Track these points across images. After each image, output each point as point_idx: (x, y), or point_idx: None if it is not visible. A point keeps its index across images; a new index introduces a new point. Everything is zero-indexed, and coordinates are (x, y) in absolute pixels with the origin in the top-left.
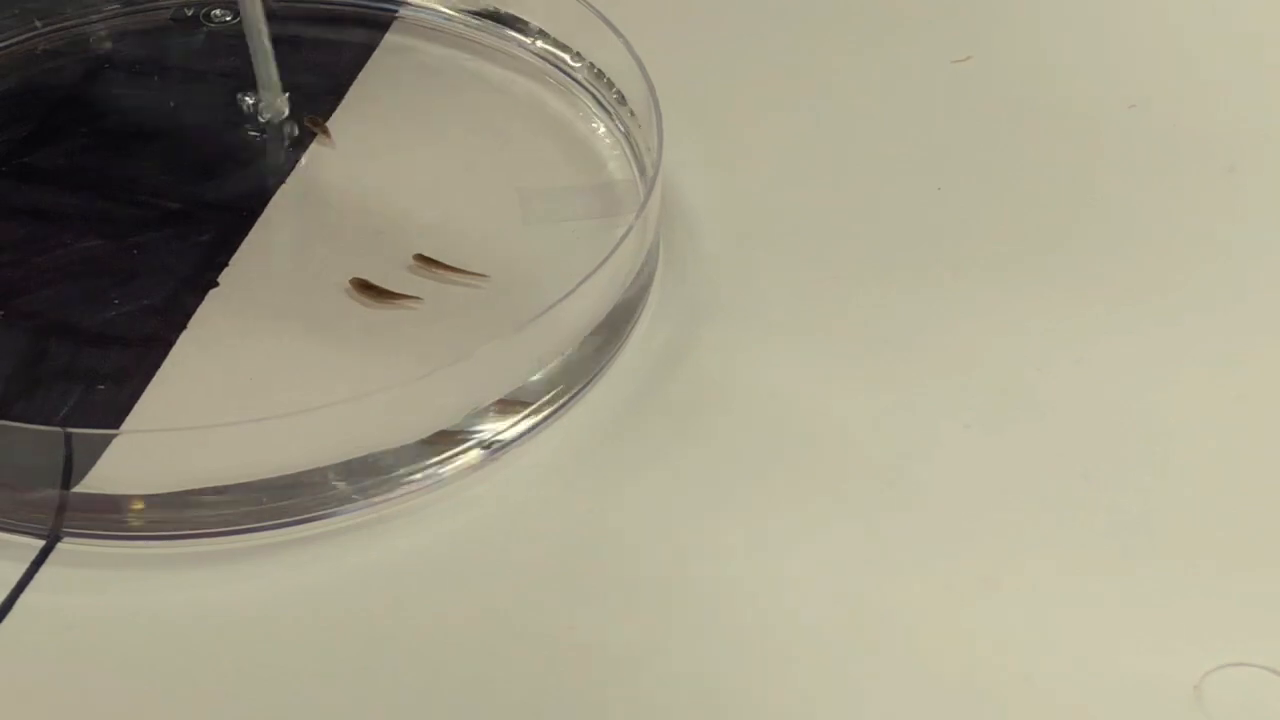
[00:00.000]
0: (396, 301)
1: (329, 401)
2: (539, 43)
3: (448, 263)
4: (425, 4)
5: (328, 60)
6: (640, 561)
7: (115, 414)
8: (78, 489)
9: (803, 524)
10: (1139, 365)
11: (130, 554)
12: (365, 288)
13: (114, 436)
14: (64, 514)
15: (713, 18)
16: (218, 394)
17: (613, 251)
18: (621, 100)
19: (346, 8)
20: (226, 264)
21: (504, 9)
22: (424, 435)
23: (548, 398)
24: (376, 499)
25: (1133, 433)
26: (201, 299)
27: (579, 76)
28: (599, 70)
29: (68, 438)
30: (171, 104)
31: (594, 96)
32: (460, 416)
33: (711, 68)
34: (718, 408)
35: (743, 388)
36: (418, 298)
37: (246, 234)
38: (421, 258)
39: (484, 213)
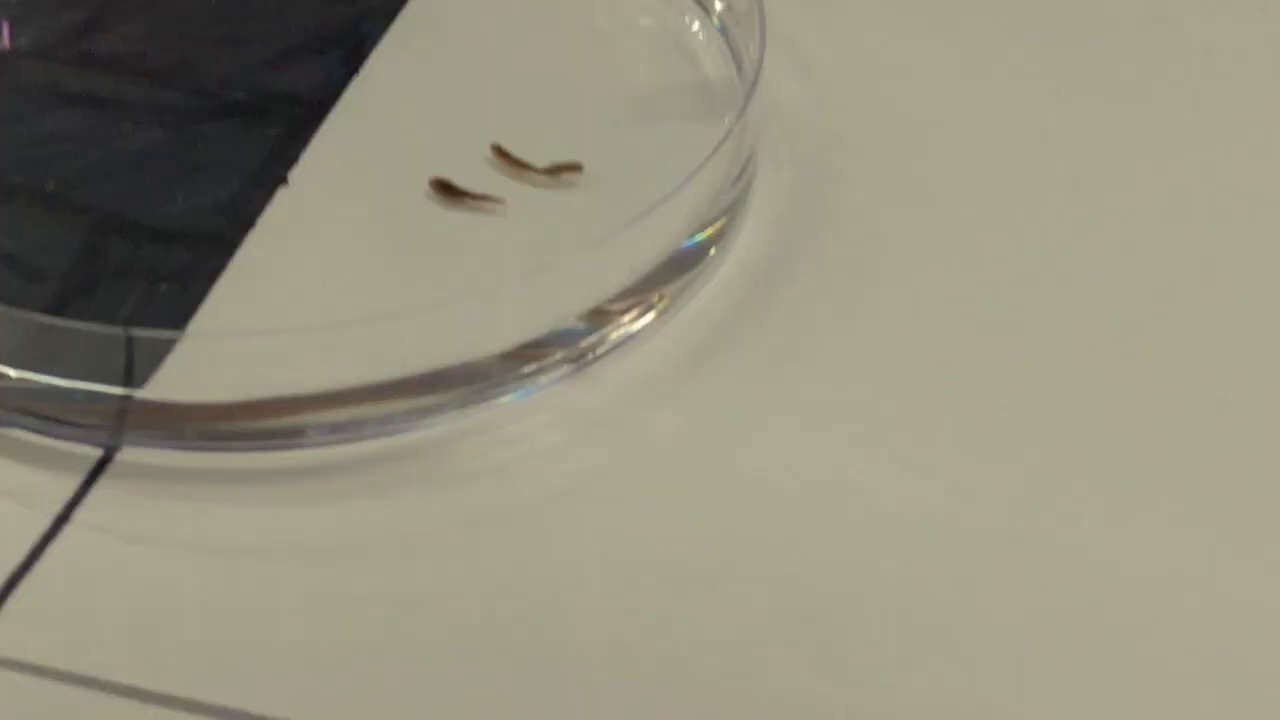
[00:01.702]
0: (477, 203)
1: (402, 309)
2: None
3: (525, 160)
4: None
5: None
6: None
7: (178, 316)
8: (139, 394)
9: (922, 443)
10: None
11: (194, 466)
12: (445, 188)
13: (178, 339)
14: (124, 421)
15: None
16: (286, 298)
17: (709, 158)
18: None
19: None
20: (297, 160)
21: None
22: (506, 348)
23: (637, 309)
24: (455, 413)
25: None
26: (270, 197)
27: None
28: None
29: (129, 339)
30: None
31: None
32: (545, 328)
33: None
34: (819, 324)
35: (848, 302)
36: (500, 200)
37: (318, 127)
38: (500, 151)
39: (569, 110)
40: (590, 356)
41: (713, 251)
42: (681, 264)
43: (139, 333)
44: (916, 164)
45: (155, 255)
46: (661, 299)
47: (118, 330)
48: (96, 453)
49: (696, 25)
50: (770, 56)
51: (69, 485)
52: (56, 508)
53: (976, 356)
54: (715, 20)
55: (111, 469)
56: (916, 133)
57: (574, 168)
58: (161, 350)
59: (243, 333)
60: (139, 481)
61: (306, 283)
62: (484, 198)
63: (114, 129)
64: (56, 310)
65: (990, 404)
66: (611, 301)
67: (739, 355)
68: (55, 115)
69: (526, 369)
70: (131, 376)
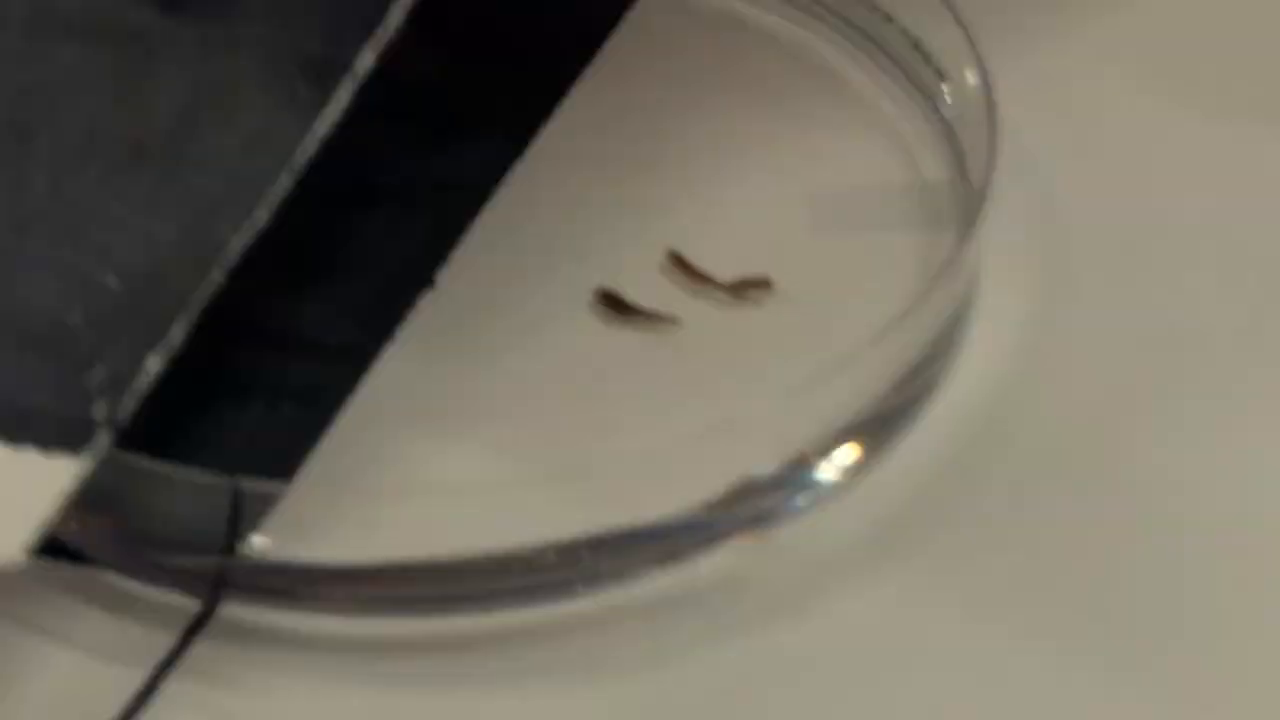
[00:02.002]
0: (648, 322)
1: (550, 471)
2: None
3: (706, 271)
4: None
5: (583, 3)
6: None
7: (300, 441)
8: (244, 551)
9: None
10: None
11: (311, 631)
12: (612, 302)
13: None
14: (226, 575)
15: None
16: (424, 425)
17: (927, 290)
18: (941, 80)
19: None
20: (446, 259)
21: None
22: (673, 509)
23: (827, 464)
24: (607, 587)
25: None
26: (414, 302)
27: (890, 44)
28: (916, 39)
29: (236, 494)
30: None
31: (906, 73)
32: (714, 490)
33: (1059, 44)
34: (1045, 503)
35: (1081, 479)
36: (673, 319)
37: (474, 220)
38: (677, 259)
39: (760, 213)
40: (768, 520)
41: (922, 398)
42: (884, 413)
43: (248, 485)
44: (1169, 298)
45: (276, 367)
46: (857, 452)
47: (222, 482)
48: (195, 606)
49: (917, 116)
50: (1000, 155)
51: (164, 641)
52: (150, 664)
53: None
54: (938, 110)
55: (213, 626)
56: (1169, 258)
57: (762, 284)
58: (274, 498)
59: (363, 491)
60: (243, 642)
61: (448, 408)
62: (655, 316)
63: None
64: (155, 431)
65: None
66: (796, 457)
67: (938, 532)
68: None
69: (689, 535)
70: (237, 528)
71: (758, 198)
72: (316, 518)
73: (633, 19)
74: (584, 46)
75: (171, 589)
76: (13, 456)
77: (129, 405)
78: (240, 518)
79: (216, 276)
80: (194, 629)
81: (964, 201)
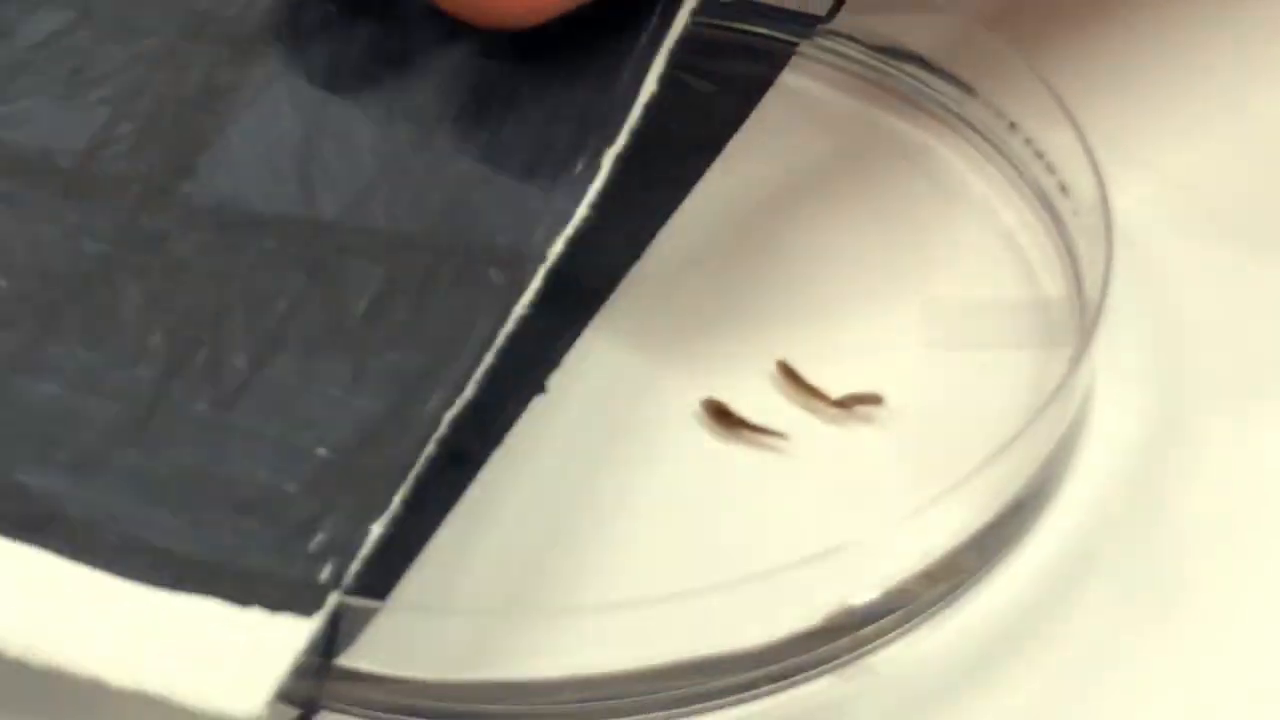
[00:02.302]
0: (755, 435)
1: (652, 595)
2: (968, 104)
3: (816, 385)
4: (836, 37)
5: (705, 103)
6: None
7: (405, 549)
8: (342, 661)
9: None
10: None
11: None
12: (720, 414)
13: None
14: (322, 686)
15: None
16: (538, 536)
17: (1039, 412)
18: (1063, 191)
19: (735, 33)
20: (559, 363)
21: (932, 55)
22: (772, 636)
23: (931, 593)
24: (703, 713)
25: None
26: (524, 406)
27: (1011, 153)
28: (1039, 149)
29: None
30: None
31: (1027, 182)
32: (819, 615)
33: (1180, 150)
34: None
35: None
36: (782, 435)
37: (587, 323)
38: (787, 370)
39: (874, 325)
40: (867, 649)
41: (1029, 525)
42: (989, 540)
43: (350, 601)
44: None
45: None
46: (960, 581)
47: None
48: (292, 712)
49: (1036, 228)
50: (1119, 265)
51: None
52: None
53: None
54: (1056, 223)
55: None
56: None
57: (873, 399)
58: (371, 612)
59: (462, 612)
60: None
61: (547, 519)
62: (764, 430)
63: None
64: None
65: None
66: (901, 584)
67: (1037, 664)
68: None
69: (787, 661)
70: (333, 643)
71: (871, 308)
72: (414, 633)
73: (751, 120)
74: (704, 150)
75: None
76: (239, 617)
77: (354, 569)
78: (337, 630)
79: (430, 448)
80: None
81: (1079, 318)
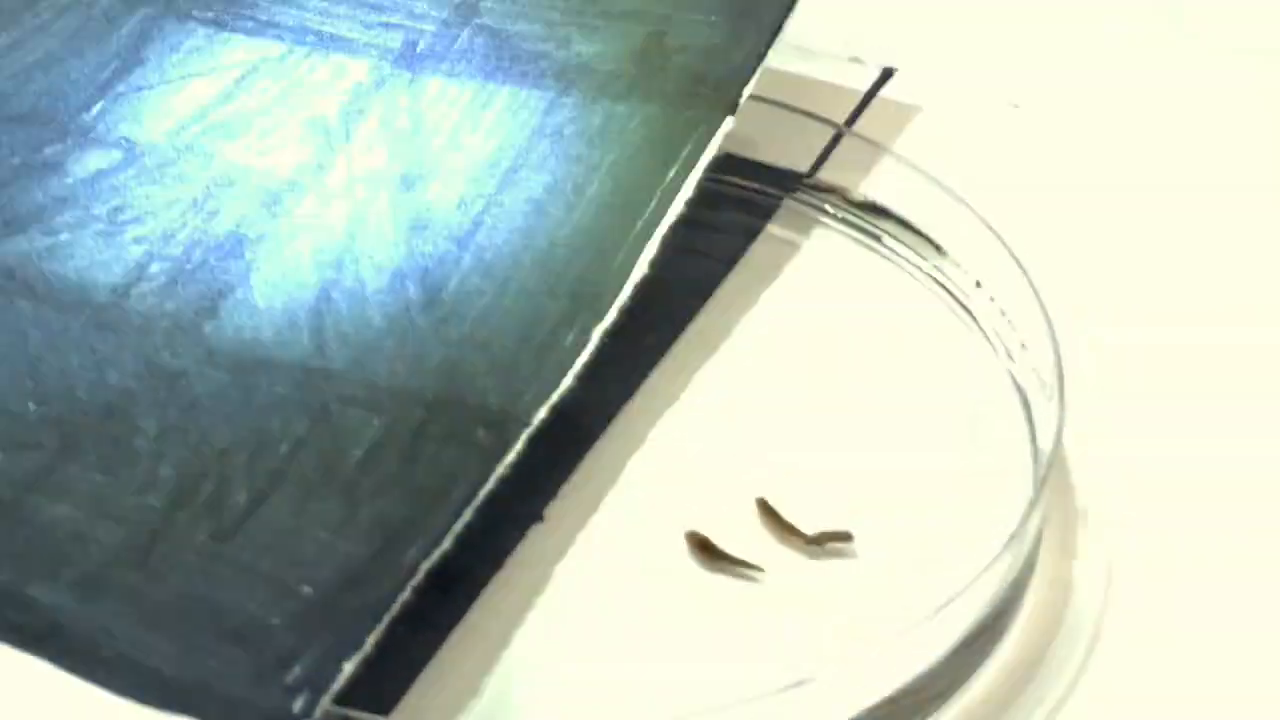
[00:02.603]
0: (735, 567)
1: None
2: (939, 261)
3: (791, 523)
4: (818, 192)
5: (700, 248)
6: None
7: (408, 669)
8: None
9: None
10: None
11: None
12: (704, 547)
13: None
14: None
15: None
16: (522, 656)
17: (991, 563)
18: (1023, 347)
19: (724, 185)
20: (556, 494)
21: (905, 213)
22: None
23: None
24: None
25: None
26: (523, 535)
27: (977, 311)
28: (1002, 308)
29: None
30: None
31: (991, 339)
32: None
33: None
34: None
35: None
36: (758, 568)
37: (583, 456)
38: (766, 507)
39: (847, 467)
40: None
41: (982, 659)
42: (944, 674)
43: (354, 716)
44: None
45: None
46: (922, 707)
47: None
48: None
49: (997, 384)
50: (1070, 421)
51: None
52: None
53: None
54: (1014, 381)
55: None
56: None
57: (843, 537)
58: None
59: None
60: None
61: (542, 641)
62: (742, 564)
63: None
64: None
65: None
66: (867, 711)
67: None
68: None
69: None
70: None
71: (845, 452)
72: None
73: (744, 267)
74: (695, 295)
75: None
76: None
77: (325, 703)
78: None
79: (406, 595)
80: None
81: (1034, 467)
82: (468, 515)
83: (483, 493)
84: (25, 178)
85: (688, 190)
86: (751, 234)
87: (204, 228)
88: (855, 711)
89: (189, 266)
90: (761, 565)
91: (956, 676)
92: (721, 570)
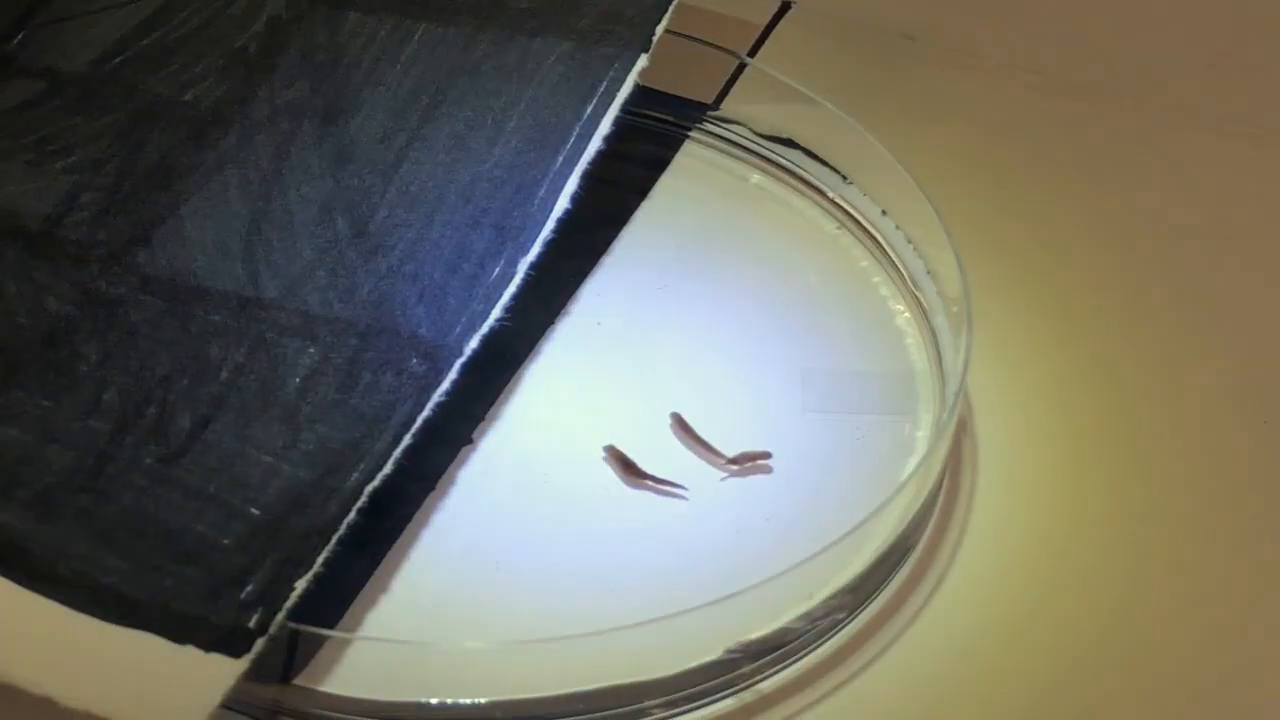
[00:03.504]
0: (657, 486)
1: (567, 633)
2: (845, 190)
3: (704, 438)
4: (724, 123)
5: (613, 178)
6: None
7: (350, 584)
8: (298, 681)
9: None
10: None
11: None
12: (624, 463)
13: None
14: (282, 706)
15: (1045, 203)
16: (457, 572)
17: (906, 481)
18: (929, 275)
19: (635, 116)
20: (483, 417)
21: (810, 143)
22: (663, 673)
23: (809, 635)
24: None
25: None
26: (453, 457)
27: (885, 238)
28: (908, 235)
29: (291, 635)
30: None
31: (898, 267)
32: (710, 655)
33: (1033, 258)
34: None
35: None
36: (683, 488)
37: (509, 381)
38: (680, 421)
39: (759, 388)
40: (752, 688)
41: (890, 580)
42: (859, 588)
43: (300, 629)
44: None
45: None
46: (837, 619)
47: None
48: None
49: (905, 309)
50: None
51: None
52: None
53: None
54: (923, 304)
55: None
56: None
57: (762, 455)
58: (322, 639)
59: (396, 641)
60: None
61: (474, 557)
62: (666, 483)
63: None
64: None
65: None
66: (784, 629)
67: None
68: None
69: (684, 695)
70: (290, 665)
71: (756, 374)
72: (353, 659)
73: (655, 196)
74: (610, 224)
75: (236, 712)
76: (176, 653)
77: (279, 619)
78: (295, 653)
79: (351, 516)
80: None
81: (941, 390)
82: (407, 440)
83: (420, 419)
84: None
85: (605, 126)
86: (661, 164)
87: (131, 159)
88: (781, 622)
89: (119, 196)
90: (685, 487)
91: (873, 588)
92: (644, 488)
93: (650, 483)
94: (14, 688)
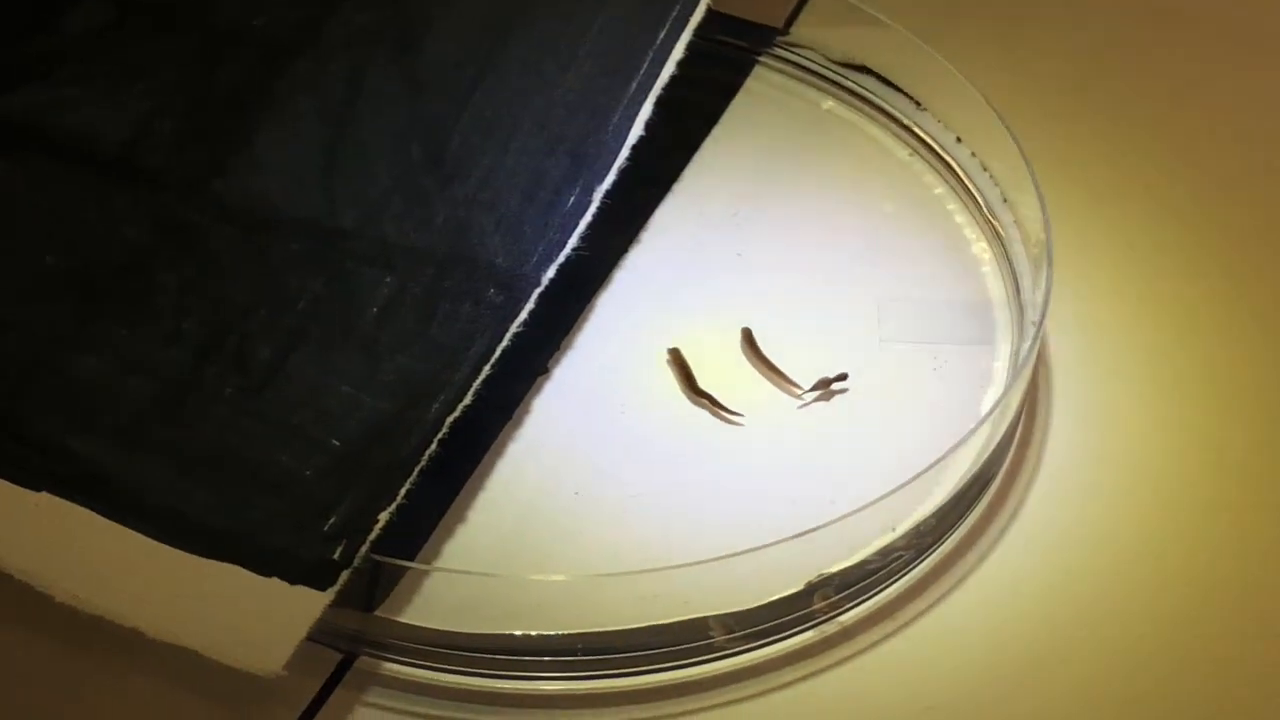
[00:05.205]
0: (714, 407)
1: (646, 566)
2: (919, 117)
3: (775, 363)
4: (798, 47)
5: (682, 104)
6: None
7: (429, 515)
8: (380, 612)
9: None
10: None
11: (433, 682)
12: (685, 373)
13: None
14: (364, 637)
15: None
16: (534, 502)
17: (988, 415)
18: (1005, 203)
19: (703, 41)
20: (558, 346)
21: (882, 69)
22: (748, 605)
23: (890, 568)
24: (688, 667)
25: None
26: (530, 386)
27: (960, 164)
28: (984, 162)
29: (374, 567)
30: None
31: (973, 194)
32: (792, 588)
33: (1114, 186)
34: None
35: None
36: (737, 415)
37: (583, 311)
38: (750, 339)
39: (834, 317)
40: (833, 620)
41: (969, 513)
42: (940, 521)
43: (383, 560)
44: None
45: None
46: (918, 553)
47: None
48: (337, 658)
49: (980, 237)
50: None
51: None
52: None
53: None
54: (999, 233)
55: (350, 677)
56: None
57: (838, 378)
58: (400, 574)
59: (476, 573)
60: (375, 690)
61: (551, 485)
62: (723, 408)
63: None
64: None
65: None
66: (865, 562)
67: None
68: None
69: (765, 628)
70: (373, 596)
71: (833, 298)
72: (434, 591)
73: (732, 115)
74: (681, 150)
75: (319, 644)
76: (262, 586)
77: (363, 551)
78: (377, 585)
79: (432, 448)
80: (336, 677)
81: (1019, 319)
82: (486, 371)
83: (498, 350)
84: (15, 35)
85: (678, 51)
86: (732, 90)
87: (204, 86)
88: (861, 556)
89: (193, 124)
90: (742, 414)
91: (951, 523)
92: (701, 405)
93: (708, 401)
94: (103, 619)
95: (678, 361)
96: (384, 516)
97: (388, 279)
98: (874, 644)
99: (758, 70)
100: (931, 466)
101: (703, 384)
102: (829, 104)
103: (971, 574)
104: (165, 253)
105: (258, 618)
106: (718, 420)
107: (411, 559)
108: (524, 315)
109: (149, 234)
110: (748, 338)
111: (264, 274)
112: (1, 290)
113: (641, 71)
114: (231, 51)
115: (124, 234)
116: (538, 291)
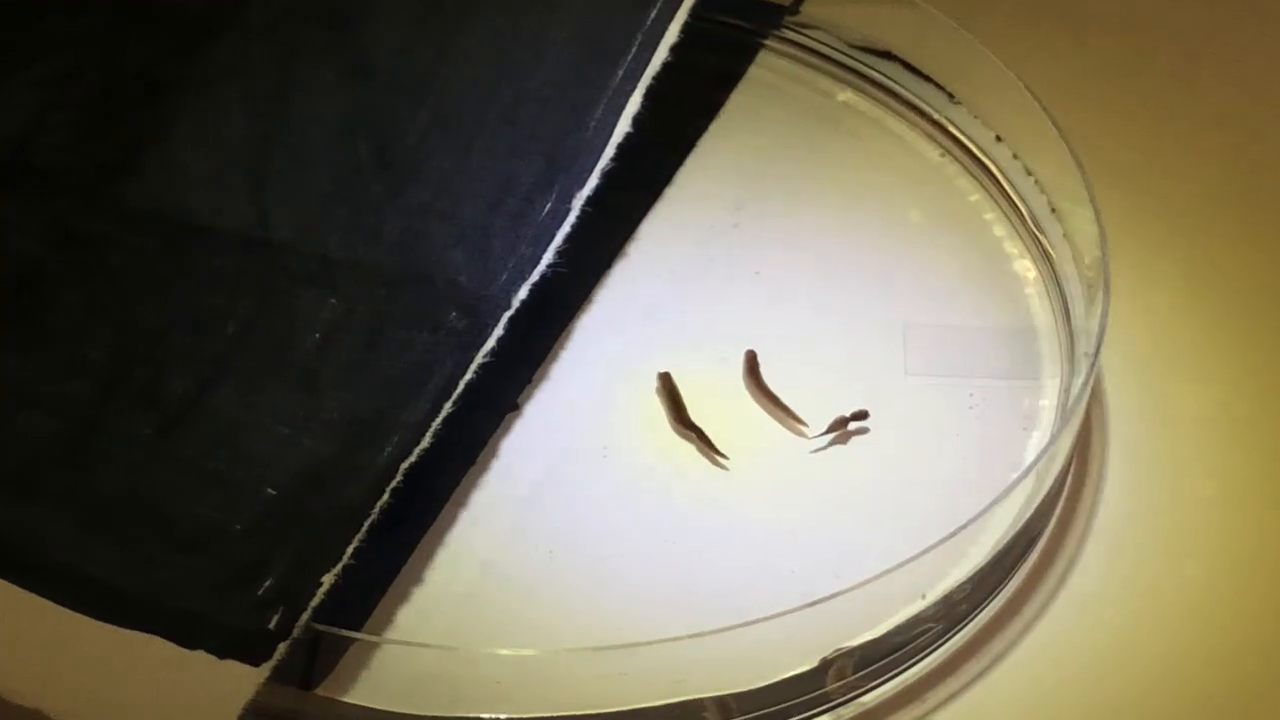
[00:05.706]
0: (699, 443)
1: (630, 639)
2: (952, 111)
3: (781, 398)
4: (809, 29)
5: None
6: None
7: (378, 577)
8: (321, 690)
9: None
10: None
11: None
12: (673, 400)
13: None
14: (301, 718)
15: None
16: (501, 563)
17: (1029, 469)
18: (1054, 213)
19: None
20: (530, 379)
21: (908, 54)
22: (751, 685)
23: (919, 641)
24: None
25: None
26: (499, 423)
27: (1001, 168)
28: (1028, 166)
29: (315, 637)
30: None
31: (1015, 203)
32: (803, 665)
33: (1174, 192)
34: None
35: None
36: (722, 456)
37: (558, 337)
38: (753, 366)
39: (852, 347)
40: (852, 703)
41: (1011, 577)
42: (977, 587)
43: (325, 630)
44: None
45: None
46: (953, 622)
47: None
48: None
49: (1022, 253)
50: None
51: None
52: None
53: None
54: (1045, 251)
55: None
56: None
57: (858, 415)
58: (345, 645)
59: (433, 646)
60: None
61: (520, 543)
62: (710, 445)
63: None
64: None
65: None
66: (890, 634)
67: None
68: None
69: (770, 713)
70: (312, 672)
71: (847, 331)
72: (383, 666)
73: (733, 108)
74: (674, 150)
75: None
76: (184, 659)
77: (303, 619)
78: (317, 658)
79: (384, 498)
80: None
81: (1068, 348)
82: (447, 409)
83: (461, 384)
84: None
85: (672, 34)
86: (732, 79)
87: (108, 70)
88: (890, 626)
89: (96, 116)
90: (727, 456)
91: (991, 587)
92: (687, 438)
93: (695, 435)
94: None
95: (667, 388)
96: (327, 579)
97: (330, 300)
98: None
99: (763, 56)
100: (967, 524)
101: (695, 418)
102: (845, 95)
103: (1012, 649)
104: (63, 268)
105: (180, 697)
106: (717, 470)
107: (358, 629)
108: (491, 343)
109: (43, 246)
110: (751, 363)
111: (182, 293)
112: None
113: (629, 57)
114: (139, 30)
115: (12, 246)
116: (507, 315)
